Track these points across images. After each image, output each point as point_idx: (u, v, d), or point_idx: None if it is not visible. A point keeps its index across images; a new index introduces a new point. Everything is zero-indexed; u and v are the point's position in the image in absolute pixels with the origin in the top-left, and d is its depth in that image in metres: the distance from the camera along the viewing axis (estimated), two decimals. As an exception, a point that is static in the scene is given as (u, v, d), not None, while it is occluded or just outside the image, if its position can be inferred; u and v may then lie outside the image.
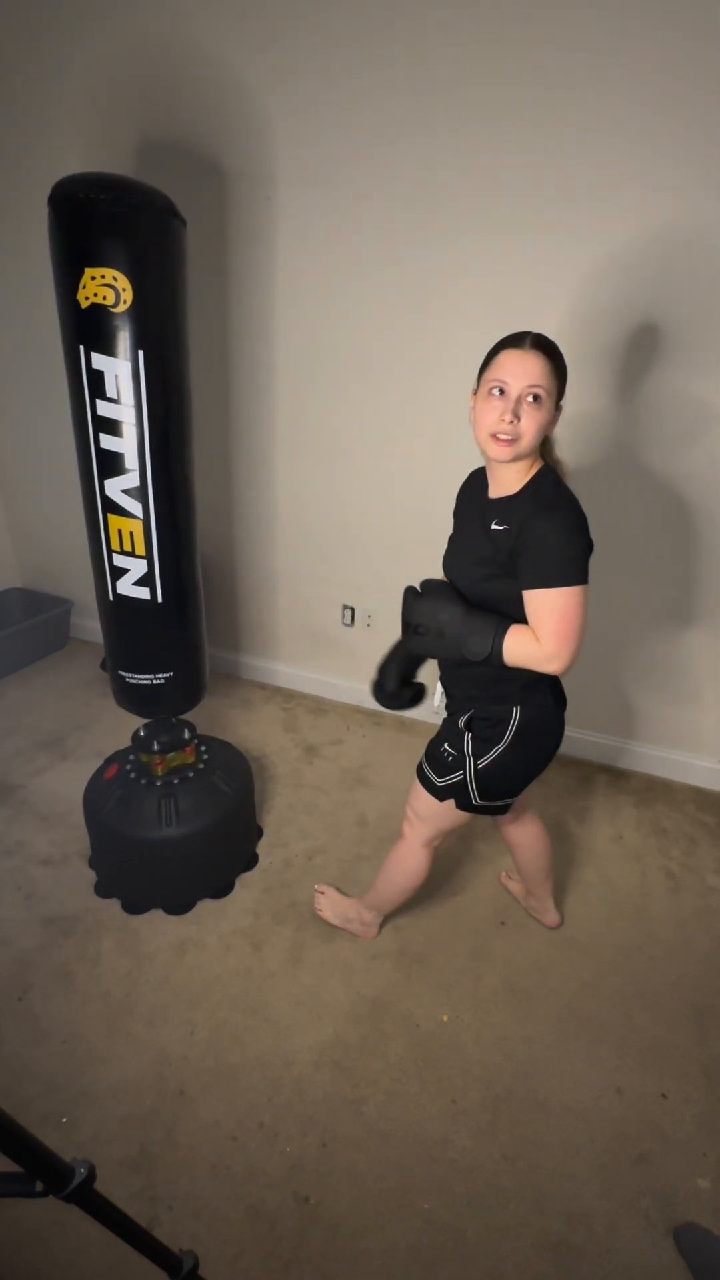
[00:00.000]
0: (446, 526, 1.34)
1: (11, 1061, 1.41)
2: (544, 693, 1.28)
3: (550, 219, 1.77)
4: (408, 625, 1.23)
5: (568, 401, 1.16)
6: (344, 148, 1.89)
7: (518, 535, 1.10)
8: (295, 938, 1.71)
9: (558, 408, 1.11)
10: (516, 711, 1.26)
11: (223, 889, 1.83)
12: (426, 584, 1.24)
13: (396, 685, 1.41)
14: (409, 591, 1.24)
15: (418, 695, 1.42)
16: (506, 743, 1.27)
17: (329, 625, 2.61)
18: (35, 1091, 1.37)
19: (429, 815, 1.42)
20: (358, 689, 2.66)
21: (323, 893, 1.78)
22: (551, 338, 1.10)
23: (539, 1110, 1.37)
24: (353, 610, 2.54)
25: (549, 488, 1.13)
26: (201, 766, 1.76)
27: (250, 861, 1.92)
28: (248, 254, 2.12)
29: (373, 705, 2.65)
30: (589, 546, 1.10)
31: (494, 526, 1.16)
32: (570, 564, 1.06)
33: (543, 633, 1.09)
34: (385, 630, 2.50)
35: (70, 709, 2.59)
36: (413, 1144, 1.31)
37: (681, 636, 2.14)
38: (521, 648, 1.11)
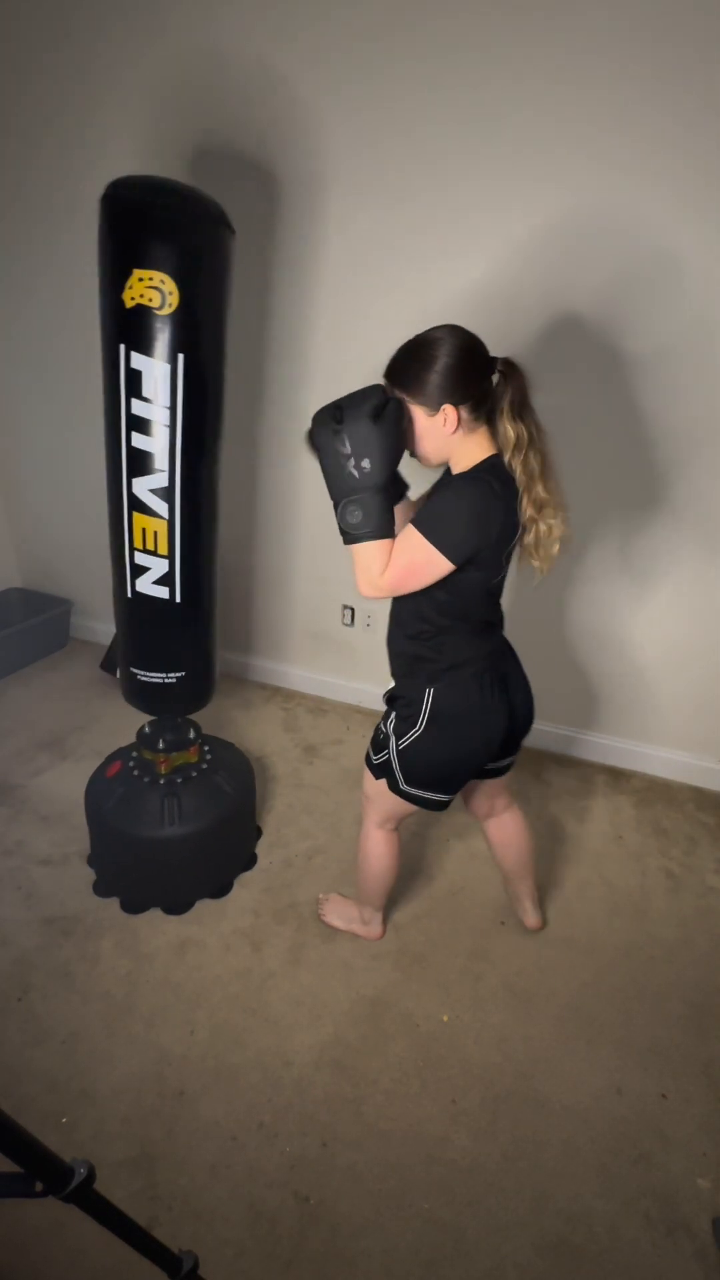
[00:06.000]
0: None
1: (11, 1061, 1.41)
2: (467, 680, 1.25)
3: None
4: (337, 416, 1.08)
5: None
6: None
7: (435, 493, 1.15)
8: (295, 938, 1.71)
9: (436, 412, 1.09)
10: (429, 694, 1.26)
11: (222, 889, 1.83)
12: (391, 407, 1.08)
13: None
14: (378, 401, 1.08)
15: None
16: (422, 726, 1.27)
17: (329, 625, 2.61)
18: (35, 1091, 1.37)
19: (374, 796, 1.45)
20: (358, 689, 2.66)
21: (326, 899, 1.78)
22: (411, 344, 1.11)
23: (539, 1110, 1.37)
24: (352, 610, 2.54)
25: (477, 471, 1.12)
26: (205, 766, 1.76)
27: (250, 861, 1.92)
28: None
29: (372, 705, 2.66)
30: (472, 537, 1.09)
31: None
32: (446, 528, 1.08)
33: (391, 564, 1.12)
34: (385, 631, 2.49)
35: (70, 709, 2.59)
36: (413, 1144, 1.31)
37: (681, 635, 2.14)
38: (368, 556, 1.12)
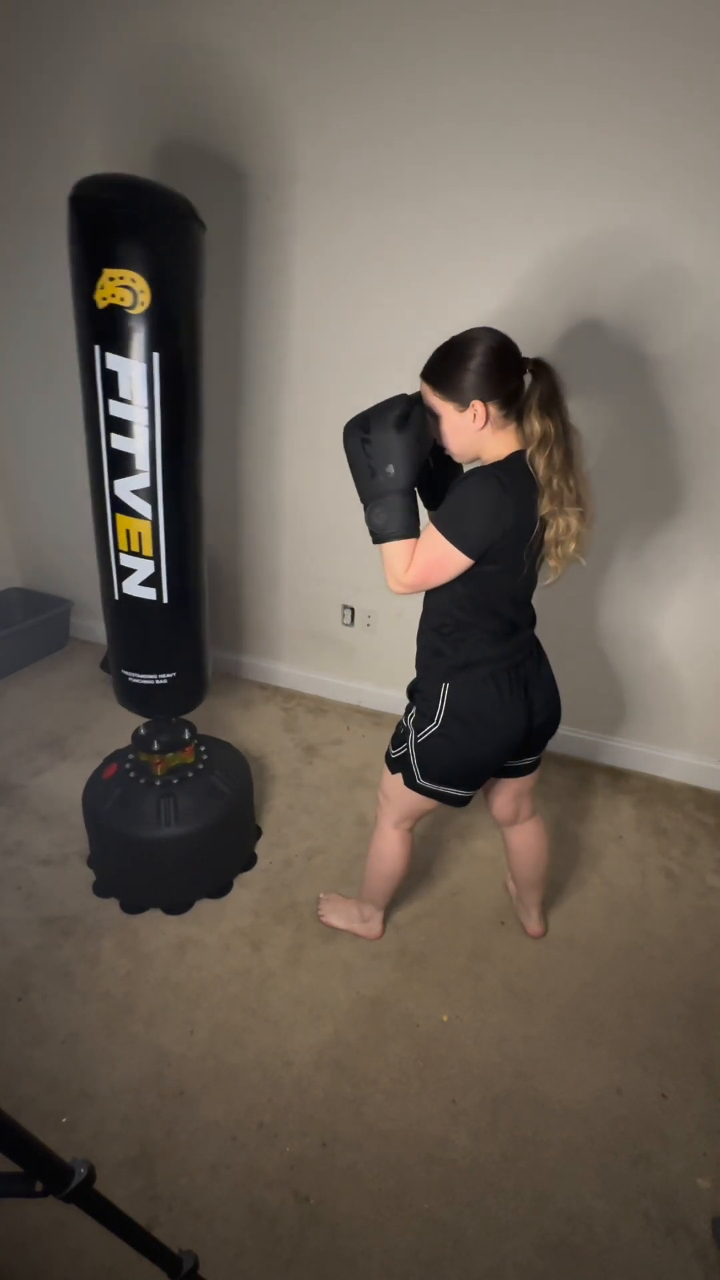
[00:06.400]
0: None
1: (11, 1061, 1.42)
2: (483, 679, 1.27)
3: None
4: (364, 426, 1.16)
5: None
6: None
7: None
8: (295, 938, 1.71)
9: (466, 408, 1.12)
10: (445, 689, 1.29)
11: (221, 889, 1.83)
12: (414, 415, 1.14)
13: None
14: (401, 412, 1.14)
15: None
16: (440, 721, 1.29)
17: (329, 625, 2.61)
18: (35, 1091, 1.37)
19: (392, 795, 1.46)
20: (358, 689, 2.66)
21: (325, 899, 1.78)
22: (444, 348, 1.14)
23: (539, 1110, 1.37)
24: (353, 610, 2.54)
25: (488, 468, 1.16)
26: (201, 767, 1.76)
27: (249, 861, 1.92)
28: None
29: (372, 705, 2.66)
30: (485, 530, 1.12)
31: None
32: (459, 524, 1.13)
33: (413, 561, 1.17)
34: (385, 631, 2.50)
35: (70, 709, 2.59)
36: (413, 1144, 1.31)
37: (681, 635, 2.14)
38: (394, 554, 1.18)
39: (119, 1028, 1.48)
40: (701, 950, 1.72)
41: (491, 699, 1.28)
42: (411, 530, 1.18)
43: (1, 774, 2.23)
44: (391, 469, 1.15)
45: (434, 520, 1.15)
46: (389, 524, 1.17)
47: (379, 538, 1.19)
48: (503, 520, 1.12)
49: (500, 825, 1.63)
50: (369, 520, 1.19)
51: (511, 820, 1.59)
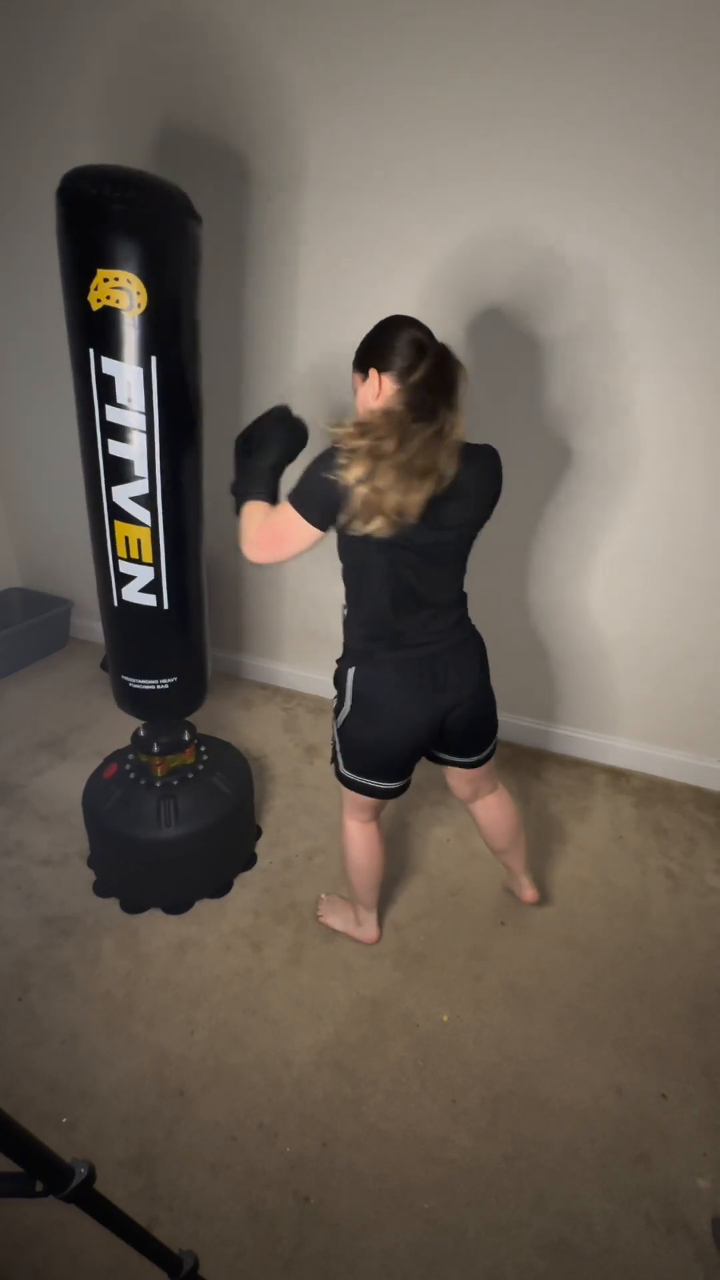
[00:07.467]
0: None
1: (11, 1061, 1.42)
2: (380, 665, 1.31)
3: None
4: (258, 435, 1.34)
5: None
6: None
7: None
8: (295, 938, 1.71)
9: (367, 377, 1.19)
10: (350, 673, 1.33)
11: (222, 889, 1.83)
12: (291, 420, 1.33)
13: None
14: (281, 420, 1.33)
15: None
16: (349, 706, 1.34)
17: (330, 625, 2.60)
18: (35, 1091, 1.37)
19: (343, 787, 1.48)
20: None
21: (325, 900, 1.78)
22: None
23: (539, 1110, 1.37)
24: (353, 610, 2.53)
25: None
26: (201, 767, 1.76)
27: (249, 861, 1.92)
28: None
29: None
30: (311, 490, 1.16)
31: None
32: (294, 490, 1.19)
33: (263, 524, 1.26)
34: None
35: (70, 709, 2.59)
36: (413, 1144, 1.31)
37: (681, 635, 2.14)
38: (248, 518, 1.28)
39: (119, 1028, 1.48)
40: (701, 950, 1.72)
41: (386, 684, 1.30)
42: (266, 495, 1.27)
43: (1, 774, 2.23)
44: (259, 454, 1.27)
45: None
46: (245, 486, 1.27)
47: (238, 500, 1.28)
48: (328, 491, 1.13)
49: (464, 803, 1.65)
50: (232, 491, 1.29)
51: (472, 798, 1.62)
